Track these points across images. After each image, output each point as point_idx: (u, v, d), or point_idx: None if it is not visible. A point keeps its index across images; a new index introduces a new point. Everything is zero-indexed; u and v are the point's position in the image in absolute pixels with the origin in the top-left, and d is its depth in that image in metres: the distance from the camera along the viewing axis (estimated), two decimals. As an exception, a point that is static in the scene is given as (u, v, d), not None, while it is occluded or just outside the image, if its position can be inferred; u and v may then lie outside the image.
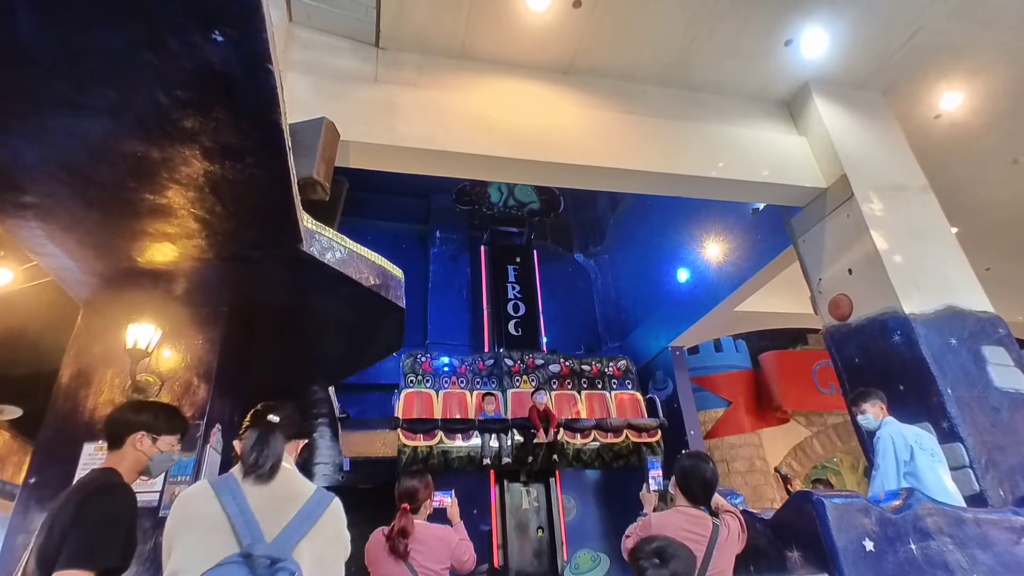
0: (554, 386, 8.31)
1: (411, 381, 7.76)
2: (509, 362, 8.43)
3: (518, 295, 10.18)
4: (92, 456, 3.19)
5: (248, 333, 4.14)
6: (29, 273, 4.22)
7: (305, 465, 7.67)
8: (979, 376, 4.28)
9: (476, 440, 7.20)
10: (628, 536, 2.54)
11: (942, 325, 4.45)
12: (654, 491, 3.00)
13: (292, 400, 1.85)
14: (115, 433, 1.93)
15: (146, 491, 3.16)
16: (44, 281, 3.99)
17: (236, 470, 1.53)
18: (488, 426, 7.29)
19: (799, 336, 10.86)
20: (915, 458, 3.28)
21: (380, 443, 8.35)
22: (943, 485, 3.23)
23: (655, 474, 3.14)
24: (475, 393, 7.92)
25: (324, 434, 6.86)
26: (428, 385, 7.82)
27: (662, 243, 9.25)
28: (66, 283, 3.56)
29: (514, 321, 9.89)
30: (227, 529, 1.35)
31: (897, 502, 2.85)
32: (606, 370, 8.71)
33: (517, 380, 8.24)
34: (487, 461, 7.12)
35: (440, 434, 7.13)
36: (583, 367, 8.64)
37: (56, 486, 3.09)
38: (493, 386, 8.16)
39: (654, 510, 2.81)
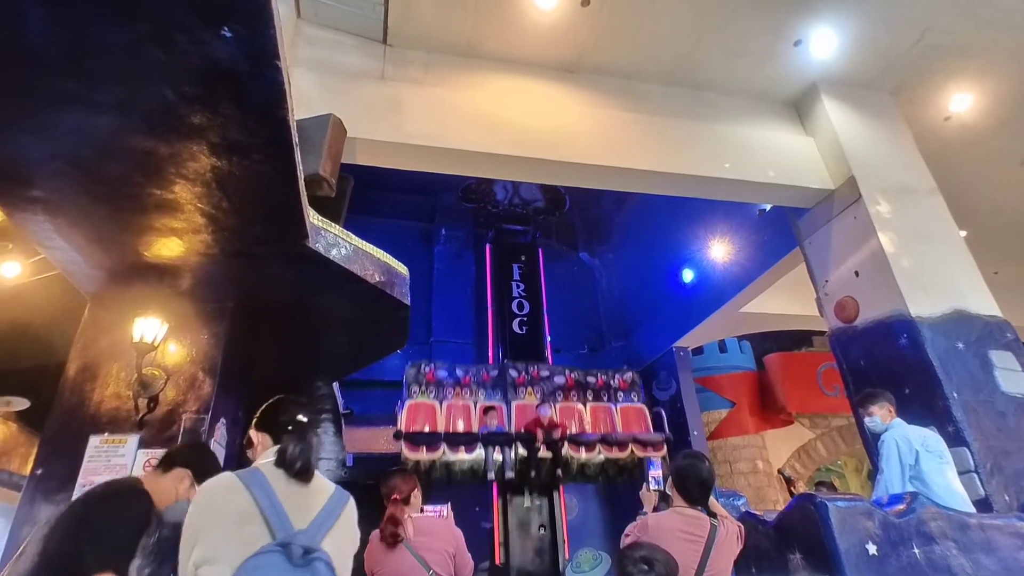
0: (558, 398, 8.17)
1: (414, 392, 7.67)
2: (513, 373, 8.30)
3: (522, 293, 10.17)
4: (98, 449, 3.22)
5: (253, 329, 4.16)
6: (37, 266, 4.25)
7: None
8: (986, 380, 4.26)
9: (479, 453, 7.14)
10: (627, 535, 2.55)
11: (949, 329, 4.42)
12: (654, 490, 3.00)
13: (295, 394, 1.85)
14: (169, 459, 2.05)
15: (148, 494, 3.18)
16: (51, 274, 4.02)
17: (265, 466, 1.53)
18: (491, 439, 7.22)
19: (804, 338, 10.81)
20: (920, 462, 3.23)
21: (383, 439, 8.37)
22: (950, 488, 3.19)
23: (655, 473, 3.12)
24: (478, 405, 7.81)
25: (328, 430, 6.89)
26: (432, 396, 7.73)
27: (667, 243, 9.22)
28: (73, 277, 3.58)
29: (518, 319, 9.89)
30: (260, 520, 1.38)
31: (901, 506, 2.84)
32: (611, 382, 8.57)
33: (521, 391, 8.13)
34: (491, 475, 7.05)
35: (443, 447, 7.07)
36: (588, 379, 8.51)
37: (62, 478, 3.11)
38: (497, 398, 8.05)
39: (654, 509, 2.81)
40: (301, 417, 1.68)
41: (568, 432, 7.52)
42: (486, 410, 7.60)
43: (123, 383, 3.47)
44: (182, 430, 3.38)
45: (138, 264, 3.39)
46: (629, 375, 8.71)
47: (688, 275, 8.63)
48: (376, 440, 8.38)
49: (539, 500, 7.80)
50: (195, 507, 1.45)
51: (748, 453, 9.65)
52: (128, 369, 3.48)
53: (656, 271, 9.62)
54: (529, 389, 8.19)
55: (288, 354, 4.87)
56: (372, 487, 2.90)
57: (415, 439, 7.05)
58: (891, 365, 4.47)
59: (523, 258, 10.58)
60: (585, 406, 8.20)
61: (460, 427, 7.54)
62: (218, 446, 3.53)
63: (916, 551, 2.63)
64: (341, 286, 3.81)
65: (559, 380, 8.39)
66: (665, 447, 7.82)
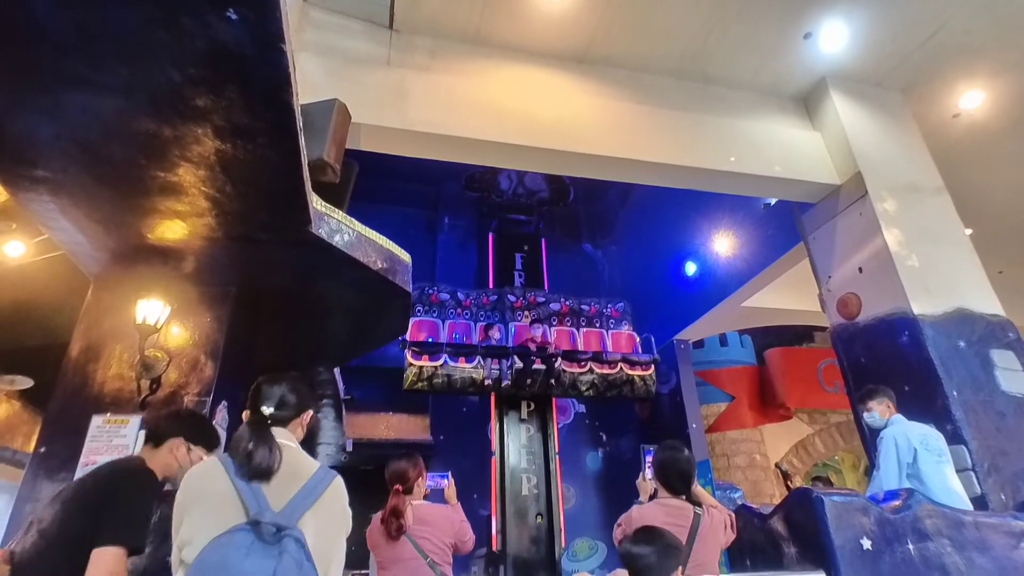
0: (554, 322, 8.78)
1: (419, 311, 8.21)
2: (512, 298, 8.91)
3: (525, 283, 10.19)
4: (100, 429, 3.24)
5: (255, 313, 4.17)
6: (41, 246, 4.26)
7: (309, 445, 7.76)
8: (986, 380, 4.25)
9: (479, 365, 7.79)
10: (619, 524, 2.58)
11: (951, 327, 4.41)
12: (650, 480, 3.00)
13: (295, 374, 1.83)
14: (156, 433, 2.01)
15: (157, 477, 3.21)
16: (55, 255, 4.03)
17: None
18: (491, 351, 7.88)
19: (805, 333, 10.80)
20: (919, 460, 3.19)
21: (383, 425, 8.43)
22: (947, 486, 3.18)
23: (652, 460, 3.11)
24: (479, 324, 8.46)
25: (328, 415, 6.94)
26: (435, 315, 8.37)
27: (671, 236, 9.20)
28: (77, 257, 3.59)
29: (520, 309, 9.92)
30: (236, 502, 1.41)
31: (897, 502, 2.85)
32: (604, 310, 9.19)
33: (519, 315, 8.75)
34: (489, 382, 7.64)
35: (445, 357, 7.70)
36: (582, 306, 9.14)
37: (65, 457, 3.15)
38: (496, 319, 8.63)
39: (651, 498, 2.82)
40: (266, 408, 1.62)
41: (561, 349, 8.19)
42: (487, 327, 8.20)
43: (126, 364, 3.49)
44: (184, 412, 3.40)
45: (142, 246, 3.40)
46: (621, 304, 9.31)
47: (691, 268, 8.63)
48: (376, 426, 8.44)
49: (533, 418, 8.39)
50: (181, 491, 1.49)
51: (746, 447, 9.69)
52: (131, 350, 3.50)
53: (659, 264, 9.61)
54: (527, 313, 8.82)
55: (290, 339, 4.89)
56: (372, 472, 2.92)
57: (419, 347, 7.67)
58: (892, 363, 4.47)
59: (526, 248, 10.60)
60: (579, 330, 8.86)
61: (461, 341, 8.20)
62: (220, 428, 3.56)
63: (910, 547, 2.65)
64: (344, 272, 3.81)
65: (555, 307, 9.05)
66: (652, 367, 8.43)
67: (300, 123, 2.59)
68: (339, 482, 1.57)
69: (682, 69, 5.38)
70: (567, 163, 4.93)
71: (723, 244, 7.70)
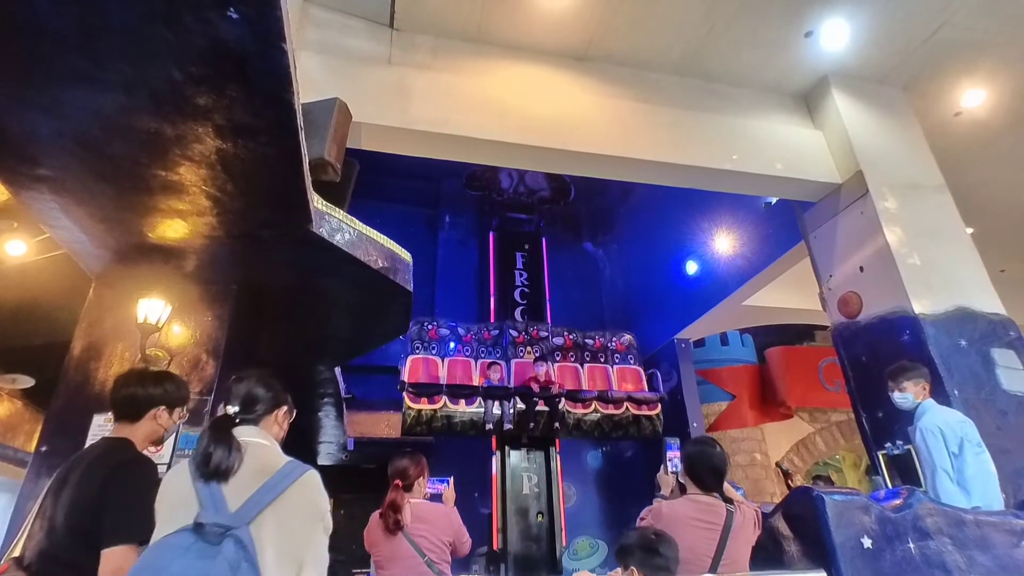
0: (557, 358, 8.45)
1: (417, 348, 7.95)
2: (514, 333, 8.61)
3: (525, 282, 10.18)
4: (102, 427, 3.24)
5: (257, 311, 4.17)
6: (42, 245, 4.26)
7: (309, 444, 7.77)
8: (987, 378, 4.25)
9: (479, 406, 7.44)
10: (643, 519, 2.50)
11: (952, 326, 4.41)
12: (672, 473, 2.92)
13: (289, 376, 1.81)
14: (135, 410, 1.96)
15: (155, 462, 3.21)
16: (57, 253, 4.04)
17: None
18: (492, 392, 7.51)
19: (806, 332, 10.80)
20: (964, 451, 3.06)
21: (384, 424, 8.43)
22: (988, 471, 3.08)
23: (672, 455, 3.05)
24: (479, 362, 8.12)
25: (329, 414, 6.92)
26: (434, 352, 8.02)
27: (672, 234, 9.19)
28: (79, 256, 3.59)
29: (520, 308, 9.91)
30: (194, 503, 1.38)
31: (897, 501, 2.85)
32: (609, 344, 8.87)
33: (521, 351, 8.43)
34: (490, 426, 7.32)
35: (444, 399, 7.36)
36: (586, 340, 8.83)
37: (66, 455, 3.12)
38: (497, 356, 8.35)
39: (671, 492, 2.77)
40: (231, 408, 1.60)
41: (565, 388, 7.81)
42: (489, 365, 7.87)
43: (127, 363, 3.49)
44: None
45: (143, 245, 3.40)
46: (626, 338, 8.98)
47: (692, 267, 8.62)
48: (377, 424, 8.44)
49: (534, 454, 8.06)
50: (158, 493, 1.49)
51: (747, 446, 9.69)
52: (132, 349, 3.51)
53: (660, 262, 9.61)
54: (528, 348, 8.46)
55: (291, 338, 4.90)
56: (373, 471, 2.93)
57: (418, 389, 7.35)
58: (892, 361, 4.44)
59: (527, 247, 10.58)
60: (583, 366, 8.50)
61: (461, 382, 7.84)
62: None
63: (911, 546, 2.64)
64: (344, 271, 3.81)
65: (558, 341, 8.68)
66: (659, 406, 8.11)
67: (301, 122, 2.59)
68: (310, 476, 1.51)
69: (683, 67, 5.37)
70: (568, 162, 4.93)
71: (724, 243, 7.70)
